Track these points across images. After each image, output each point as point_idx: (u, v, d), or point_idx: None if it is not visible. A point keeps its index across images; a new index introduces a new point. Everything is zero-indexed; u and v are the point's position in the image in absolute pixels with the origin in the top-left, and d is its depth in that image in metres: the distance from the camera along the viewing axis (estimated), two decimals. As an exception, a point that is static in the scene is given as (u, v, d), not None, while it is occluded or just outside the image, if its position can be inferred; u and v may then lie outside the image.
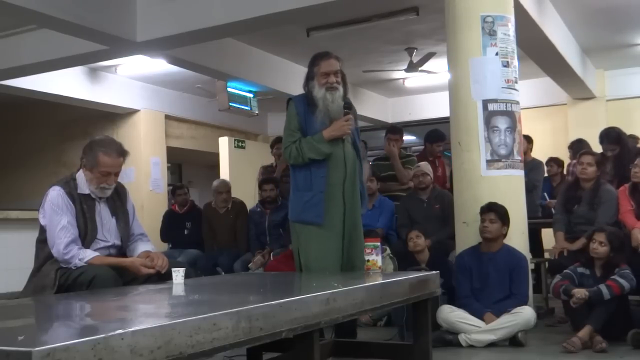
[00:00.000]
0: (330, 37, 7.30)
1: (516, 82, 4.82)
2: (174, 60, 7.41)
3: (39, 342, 1.56)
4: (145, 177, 9.61)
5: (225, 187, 6.97)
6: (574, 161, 5.82)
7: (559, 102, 9.72)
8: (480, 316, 4.28)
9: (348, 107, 3.89)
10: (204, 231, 6.98)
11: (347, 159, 3.89)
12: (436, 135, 6.68)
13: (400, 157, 6.38)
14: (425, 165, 5.89)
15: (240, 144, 10.38)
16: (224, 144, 10.17)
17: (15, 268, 5.12)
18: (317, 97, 3.84)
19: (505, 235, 4.47)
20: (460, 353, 4.16)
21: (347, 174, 3.87)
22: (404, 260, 5.13)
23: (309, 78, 3.91)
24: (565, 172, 6.89)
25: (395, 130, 6.67)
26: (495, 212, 4.40)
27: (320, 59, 3.89)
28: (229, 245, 6.76)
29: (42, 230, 3.35)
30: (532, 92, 9.01)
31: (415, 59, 8.30)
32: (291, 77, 8.73)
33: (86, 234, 3.34)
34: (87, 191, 3.39)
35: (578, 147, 6.38)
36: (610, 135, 5.67)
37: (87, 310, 2.53)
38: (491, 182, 4.66)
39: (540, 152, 7.35)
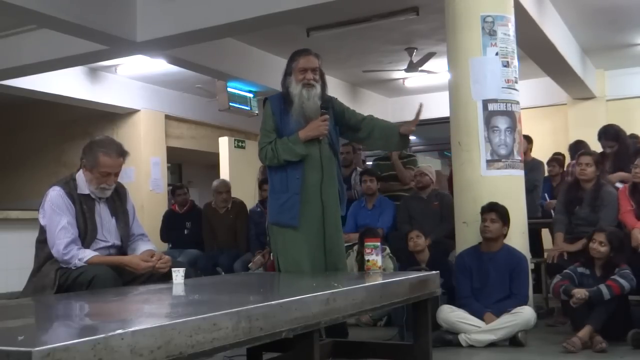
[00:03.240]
0: (330, 37, 7.29)
1: (516, 82, 4.82)
2: (174, 60, 7.41)
3: (39, 342, 1.56)
4: (145, 177, 9.61)
5: (225, 187, 6.97)
6: (573, 161, 5.81)
7: (559, 102, 9.72)
8: (480, 316, 4.28)
9: (325, 106, 3.81)
10: (204, 231, 6.98)
11: (324, 160, 3.80)
12: None
13: (401, 157, 6.39)
14: (426, 167, 5.97)
15: (240, 144, 10.38)
16: (224, 144, 10.17)
17: (15, 268, 5.13)
18: (293, 93, 3.76)
19: (505, 235, 4.47)
20: (460, 353, 4.15)
21: (324, 175, 3.79)
22: (404, 256, 5.14)
23: (287, 74, 3.83)
24: (565, 172, 6.88)
25: None
26: (496, 212, 4.40)
27: (299, 55, 3.82)
28: (229, 245, 6.77)
29: (42, 231, 3.35)
30: (532, 92, 9.01)
31: (415, 59, 8.30)
32: (291, 77, 8.73)
33: (86, 234, 3.34)
34: (87, 191, 3.39)
35: (577, 148, 6.38)
36: (609, 132, 5.68)
37: (87, 310, 2.53)
38: (491, 182, 4.66)
39: (540, 152, 7.35)
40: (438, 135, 9.92)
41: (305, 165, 3.76)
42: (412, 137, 12.48)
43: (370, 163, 7.09)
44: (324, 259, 3.77)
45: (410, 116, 3.94)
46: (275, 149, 3.73)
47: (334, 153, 3.90)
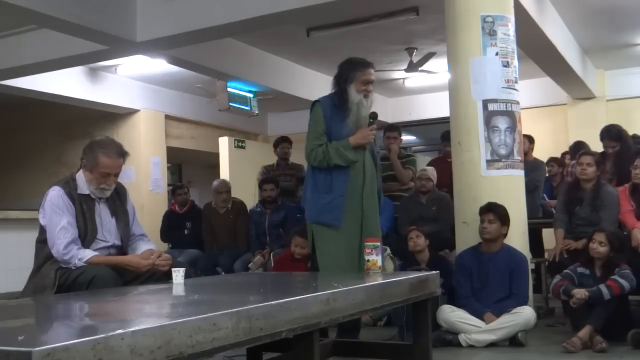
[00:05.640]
0: (330, 37, 7.30)
1: (516, 82, 4.82)
2: (174, 60, 7.40)
3: (39, 342, 1.56)
4: (145, 177, 9.61)
5: (225, 187, 6.97)
6: (573, 162, 5.81)
7: (559, 102, 9.71)
8: (480, 316, 4.28)
9: (373, 117, 4.01)
10: (204, 231, 6.98)
11: (367, 167, 4.02)
12: (444, 135, 6.64)
13: (400, 157, 6.38)
14: (431, 171, 6.01)
15: (240, 144, 10.38)
16: (224, 144, 10.17)
17: (15, 268, 5.13)
18: (353, 101, 3.94)
19: (505, 235, 4.46)
20: (460, 353, 4.16)
21: (366, 181, 3.99)
22: (404, 258, 5.14)
23: (348, 80, 3.97)
24: (564, 172, 6.88)
25: (392, 128, 6.69)
26: (494, 213, 4.40)
27: (363, 67, 4.00)
28: (229, 245, 6.76)
29: (42, 231, 3.35)
30: (532, 92, 9.01)
31: (415, 59, 8.30)
32: (291, 77, 8.73)
33: (86, 234, 3.34)
34: (86, 191, 3.39)
35: (577, 148, 6.37)
36: (611, 132, 5.67)
37: (87, 310, 2.53)
38: (491, 182, 4.66)
39: (541, 152, 7.35)
40: (438, 135, 9.93)
41: (350, 169, 3.95)
42: (412, 137, 12.50)
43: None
44: (359, 261, 3.88)
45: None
46: (327, 152, 3.90)
47: (374, 163, 4.10)
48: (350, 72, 3.98)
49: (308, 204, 4.04)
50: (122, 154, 3.42)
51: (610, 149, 5.62)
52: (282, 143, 7.21)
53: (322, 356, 3.14)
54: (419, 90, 10.40)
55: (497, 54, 4.71)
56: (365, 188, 3.99)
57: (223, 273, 6.42)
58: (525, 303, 4.35)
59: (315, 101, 4.06)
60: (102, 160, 3.33)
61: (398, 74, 9.31)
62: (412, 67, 8.42)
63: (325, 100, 4.03)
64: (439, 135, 7.07)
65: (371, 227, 3.98)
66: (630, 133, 6.09)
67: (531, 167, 6.12)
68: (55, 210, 3.28)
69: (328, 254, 3.92)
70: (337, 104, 3.98)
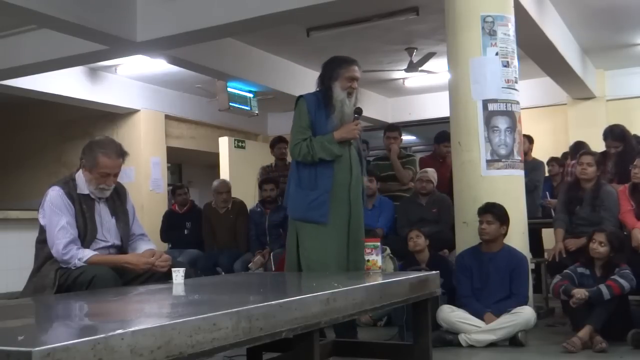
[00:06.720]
0: (330, 37, 7.29)
1: (516, 82, 4.82)
2: (174, 60, 7.41)
3: (39, 342, 1.56)
4: (145, 177, 9.61)
5: (225, 187, 6.97)
6: (573, 161, 5.81)
7: (559, 102, 9.71)
8: (480, 316, 4.28)
9: (358, 112, 3.99)
10: (204, 231, 6.98)
11: (353, 163, 3.99)
12: (442, 135, 6.65)
13: (400, 157, 6.38)
14: (432, 173, 5.98)
15: (240, 144, 10.38)
16: (224, 144, 10.17)
17: (15, 268, 5.13)
18: (337, 98, 3.92)
19: (505, 235, 4.46)
20: (460, 353, 4.16)
21: (353, 176, 3.97)
22: (404, 259, 5.14)
23: (332, 78, 3.95)
24: (565, 172, 6.88)
25: (392, 128, 6.70)
26: (492, 214, 4.39)
27: (348, 64, 3.98)
28: (229, 245, 6.76)
29: (42, 231, 3.35)
30: (532, 92, 9.01)
31: (415, 59, 8.30)
32: (291, 77, 8.73)
33: (86, 234, 3.34)
34: (86, 191, 3.39)
35: (577, 149, 6.37)
36: (615, 132, 5.67)
37: (87, 310, 2.53)
38: (491, 182, 4.66)
39: (541, 152, 7.35)
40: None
41: (335, 165, 3.92)
42: (411, 137, 12.50)
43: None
44: (347, 255, 3.90)
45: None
46: (311, 147, 3.87)
47: (359, 157, 4.08)
48: (335, 70, 3.96)
49: (292, 200, 3.99)
50: (122, 154, 3.42)
51: (613, 149, 5.62)
52: (279, 143, 7.21)
53: (322, 356, 3.14)
54: (419, 90, 10.40)
55: (497, 54, 4.71)
56: (352, 184, 3.97)
57: (223, 273, 6.42)
58: (525, 303, 4.34)
59: (300, 96, 4.03)
60: (101, 160, 3.33)
61: (398, 74, 9.32)
62: (412, 67, 8.42)
63: (310, 96, 4.01)
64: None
65: (357, 224, 3.97)
66: (631, 133, 6.09)
67: (531, 167, 6.12)
68: (54, 210, 3.28)
69: (313, 252, 3.89)
70: (321, 102, 3.95)
